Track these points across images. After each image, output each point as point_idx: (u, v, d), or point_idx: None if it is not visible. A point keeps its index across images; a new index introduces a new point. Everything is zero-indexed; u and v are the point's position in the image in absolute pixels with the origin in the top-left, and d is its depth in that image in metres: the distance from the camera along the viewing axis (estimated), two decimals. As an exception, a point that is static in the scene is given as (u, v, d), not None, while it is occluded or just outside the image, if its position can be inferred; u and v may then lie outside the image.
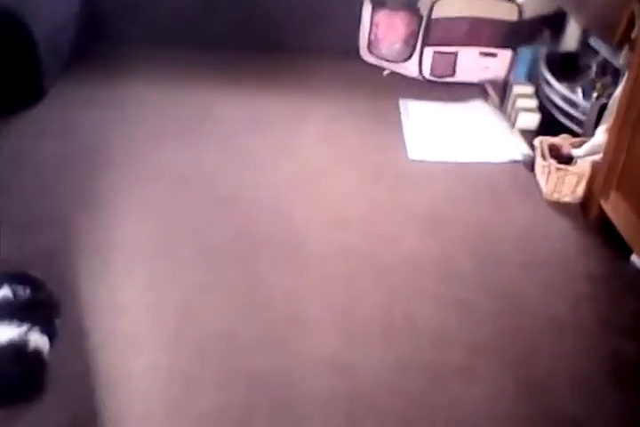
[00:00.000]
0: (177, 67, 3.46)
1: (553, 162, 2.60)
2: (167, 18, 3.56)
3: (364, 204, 2.55)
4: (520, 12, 3.26)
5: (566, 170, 2.56)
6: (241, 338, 1.94)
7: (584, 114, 2.81)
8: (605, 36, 2.79)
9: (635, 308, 2.12)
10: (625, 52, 2.63)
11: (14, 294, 1.86)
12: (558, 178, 2.57)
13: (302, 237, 2.36)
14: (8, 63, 2.88)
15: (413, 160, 2.84)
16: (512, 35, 3.31)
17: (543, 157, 2.65)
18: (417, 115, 3.17)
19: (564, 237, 2.44)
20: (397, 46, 3.45)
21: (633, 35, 2.52)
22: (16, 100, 2.97)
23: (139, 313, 2.02)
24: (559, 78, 3.03)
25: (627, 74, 2.39)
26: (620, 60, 2.71)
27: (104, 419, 1.69)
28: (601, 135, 2.56)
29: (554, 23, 3.34)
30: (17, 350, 1.72)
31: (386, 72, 3.53)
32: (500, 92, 3.25)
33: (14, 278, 1.91)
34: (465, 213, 2.53)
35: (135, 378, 1.80)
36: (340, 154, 2.86)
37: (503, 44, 3.34)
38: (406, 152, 2.88)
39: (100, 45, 3.52)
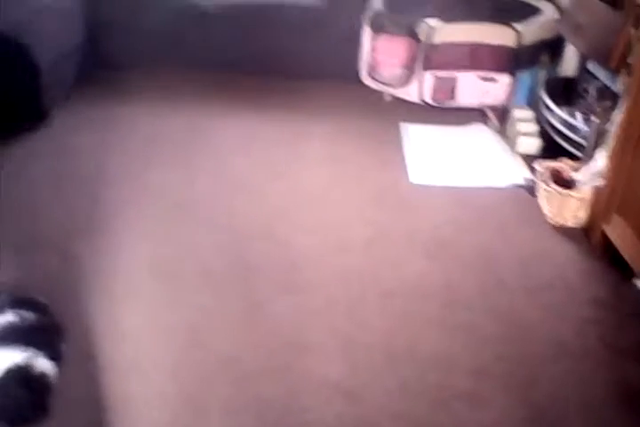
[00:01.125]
0: (175, 90, 3.48)
1: (555, 186, 2.61)
2: (165, 41, 3.59)
3: (365, 228, 2.56)
4: (519, 38, 3.30)
5: (568, 194, 2.57)
6: (245, 364, 1.94)
7: (584, 138, 2.83)
8: (603, 61, 2.82)
9: (639, 332, 2.13)
10: (623, 76, 2.66)
11: (19, 319, 1.86)
12: (560, 202, 2.58)
13: (303, 261, 2.36)
14: (12, 88, 2.91)
15: (415, 184, 2.85)
16: (512, 60, 3.34)
17: (545, 181, 2.67)
18: (418, 138, 3.20)
19: (568, 261, 2.44)
20: (398, 71, 3.48)
21: (630, 59, 2.56)
22: (18, 123, 2.99)
23: (142, 337, 2.02)
24: (559, 103, 3.06)
25: (625, 98, 2.41)
26: (618, 85, 2.74)
27: (109, 445, 1.68)
28: (601, 160, 2.58)
29: (553, 48, 3.38)
30: (23, 374, 1.72)
31: (387, 96, 3.56)
32: (500, 117, 3.28)
33: (19, 303, 1.92)
34: (468, 237, 2.53)
35: (141, 403, 1.80)
36: (340, 178, 2.88)
37: (503, 69, 3.37)
38: (407, 176, 2.89)
39: (101, 71, 3.54)
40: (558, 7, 3.45)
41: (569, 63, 3.29)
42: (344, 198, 2.73)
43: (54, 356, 1.81)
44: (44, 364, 1.76)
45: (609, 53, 2.71)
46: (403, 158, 3.03)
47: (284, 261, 2.35)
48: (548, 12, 3.44)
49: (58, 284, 2.17)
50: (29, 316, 1.88)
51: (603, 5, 2.79)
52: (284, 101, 3.46)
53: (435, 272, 2.34)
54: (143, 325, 2.06)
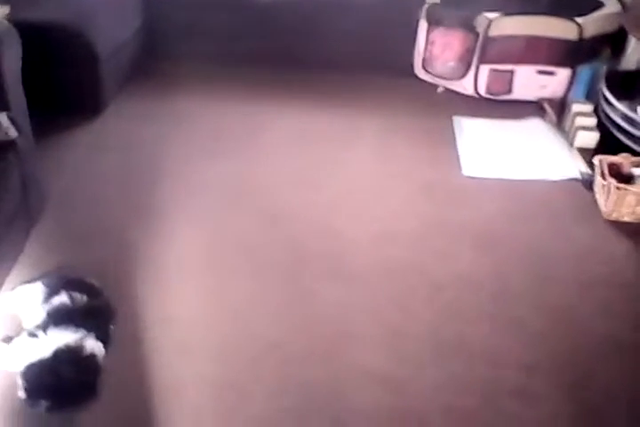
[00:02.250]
0: (229, 83, 3.50)
1: (613, 181, 2.54)
2: (220, 36, 3.61)
3: (416, 220, 2.54)
4: (580, 32, 3.22)
5: (626, 189, 2.50)
6: (290, 349, 1.94)
7: (645, 133, 2.76)
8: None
9: (697, 330, 2.06)
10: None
11: (72, 300, 1.89)
12: (618, 197, 2.51)
13: (353, 251, 2.36)
14: (72, 79, 2.98)
15: (467, 176, 2.81)
16: (571, 53, 3.27)
17: (602, 175, 2.60)
18: (471, 132, 3.15)
19: (623, 257, 2.38)
20: (452, 64, 3.44)
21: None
22: (77, 113, 3.05)
23: (191, 323, 2.04)
24: (619, 97, 2.98)
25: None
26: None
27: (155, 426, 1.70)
28: (662, 154, 2.51)
29: (614, 42, 3.29)
30: (73, 354, 1.74)
31: (440, 89, 3.52)
32: (558, 111, 3.21)
33: (72, 285, 1.95)
34: (520, 230, 2.49)
35: (187, 386, 1.82)
36: (392, 169, 2.86)
37: (562, 63, 3.30)
38: (460, 168, 2.86)
39: (157, 63, 3.61)
40: (621, 0, 3.36)
41: (631, 57, 3.20)
42: (396, 190, 2.71)
43: (104, 338, 1.83)
44: (93, 345, 1.78)
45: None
46: (456, 151, 2.99)
47: (333, 251, 2.35)
48: (611, 6, 3.36)
49: (112, 269, 2.20)
50: (82, 298, 1.91)
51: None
52: (338, 95, 3.45)
53: (485, 265, 2.31)
54: (191, 310, 2.08)
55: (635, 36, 3.10)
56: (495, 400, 1.81)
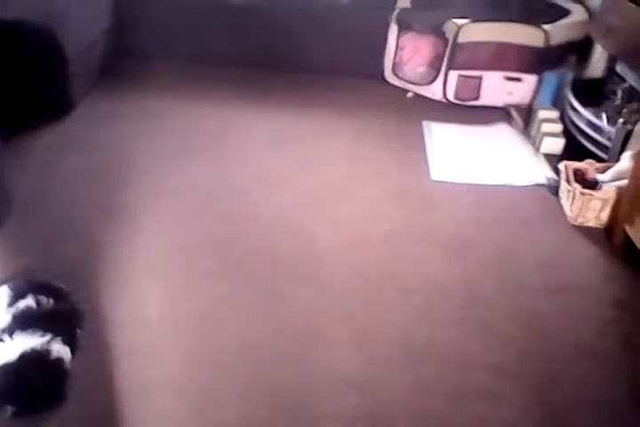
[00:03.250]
0: (202, 82, 3.49)
1: (577, 186, 2.59)
2: (193, 34, 3.61)
3: (385, 224, 2.55)
4: (547, 39, 3.27)
5: (591, 195, 2.55)
6: (260, 353, 1.93)
7: (609, 139, 2.81)
8: (632, 63, 2.80)
9: (660, 334, 2.10)
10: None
11: (38, 304, 1.86)
12: (583, 203, 2.55)
13: (323, 254, 2.36)
14: (40, 77, 2.94)
15: (436, 181, 2.84)
16: (538, 60, 3.32)
17: (568, 181, 2.64)
18: (440, 136, 3.18)
19: (589, 261, 2.42)
20: (422, 69, 3.47)
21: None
22: (45, 113, 3.01)
23: (160, 325, 2.02)
24: (585, 104, 3.03)
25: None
26: (646, 87, 2.71)
27: (123, 431, 1.68)
28: (626, 161, 2.56)
29: (580, 49, 3.35)
30: (39, 359, 1.72)
31: (409, 94, 3.55)
32: (525, 117, 3.25)
33: (38, 288, 1.92)
34: (489, 235, 2.52)
35: (156, 390, 1.80)
36: (362, 173, 2.87)
37: (529, 70, 3.35)
38: (429, 173, 2.88)
39: (127, 62, 3.58)
40: (587, 9, 3.43)
41: (596, 64, 3.26)
42: (366, 194, 2.73)
43: (71, 342, 1.81)
44: (60, 349, 1.76)
45: (638, 55, 2.68)
46: (425, 156, 3.01)
47: (304, 254, 2.35)
48: (578, 14, 3.42)
49: (80, 271, 2.17)
50: (48, 301, 1.89)
51: (634, 7, 2.77)
52: (309, 97, 3.46)
53: (454, 270, 2.33)
54: (160, 313, 2.06)
55: (600, 43, 3.16)
56: (464, 403, 1.83)
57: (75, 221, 2.42)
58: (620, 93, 2.97)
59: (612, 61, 3.10)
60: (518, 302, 2.20)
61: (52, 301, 1.89)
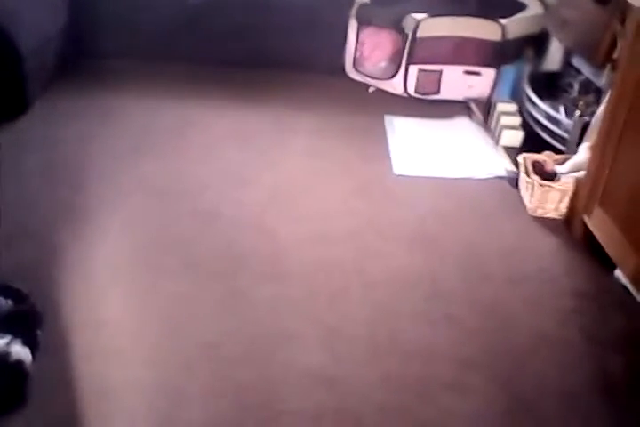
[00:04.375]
0: (161, 81, 3.46)
1: (536, 178, 2.62)
2: (152, 32, 3.56)
3: (349, 219, 2.55)
4: (504, 32, 3.30)
5: (550, 186, 2.58)
6: (225, 351, 1.92)
7: (567, 131, 2.85)
8: (588, 56, 2.84)
9: (621, 323, 2.13)
10: (607, 71, 2.67)
11: (-4, 306, 1.83)
12: (542, 194, 2.59)
13: (286, 251, 2.35)
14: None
15: (399, 175, 2.85)
16: (496, 54, 3.35)
17: (527, 173, 2.67)
18: (402, 131, 3.19)
19: (550, 252, 2.45)
20: (383, 64, 3.48)
21: (615, 55, 2.57)
22: (0, 113, 2.94)
23: (121, 326, 1.99)
24: (542, 97, 3.07)
25: (609, 93, 2.42)
26: (602, 80, 2.75)
27: (87, 433, 1.66)
28: (584, 152, 2.59)
29: (537, 43, 3.39)
30: (-2, 361, 1.69)
31: (371, 89, 3.56)
32: (484, 110, 3.28)
33: (-4, 290, 1.88)
34: (451, 228, 2.53)
35: (119, 391, 1.77)
36: (324, 169, 2.86)
37: (487, 63, 3.38)
38: (392, 167, 2.89)
39: (85, 60, 3.52)
40: (543, 2, 3.47)
41: (553, 58, 3.30)
42: (329, 189, 2.72)
43: (31, 343, 1.78)
44: (20, 351, 1.73)
45: (594, 48, 2.72)
46: (387, 150, 3.02)
47: (267, 251, 2.34)
48: (534, 8, 3.46)
49: (38, 272, 2.14)
50: (7, 303, 1.86)
51: (588, 1, 2.80)
52: (270, 94, 3.44)
53: (418, 264, 2.34)
54: (121, 313, 2.04)
55: (556, 37, 3.20)
56: (430, 396, 1.83)
57: (31, 221, 2.38)
58: (576, 86, 3.01)
59: (568, 54, 3.14)
60: (481, 293, 2.22)
61: (10, 302, 1.86)
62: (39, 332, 1.84)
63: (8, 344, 1.72)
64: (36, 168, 2.69)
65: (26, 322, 1.84)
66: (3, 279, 1.96)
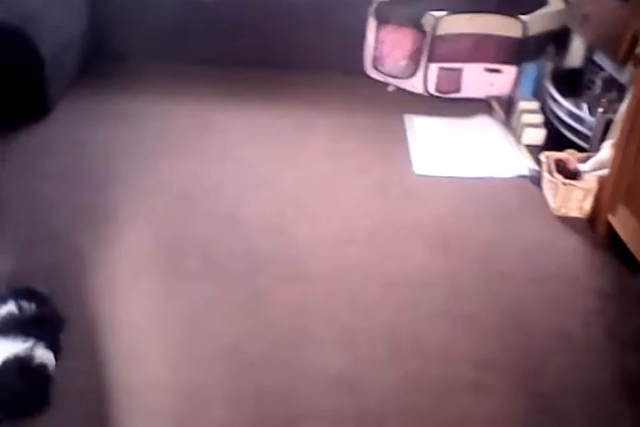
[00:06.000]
0: (180, 82, 3.48)
1: (559, 177, 2.59)
2: (170, 34, 3.58)
3: (369, 219, 2.54)
4: (525, 29, 3.27)
5: (573, 185, 2.55)
6: (247, 354, 1.92)
7: (590, 129, 2.82)
8: (610, 53, 2.80)
9: (644, 323, 2.11)
10: (629, 67, 2.64)
11: (20, 309, 1.85)
12: (565, 193, 2.56)
13: (306, 252, 2.35)
14: (15, 80, 2.91)
15: (419, 175, 2.83)
16: (517, 51, 3.32)
17: (550, 172, 2.65)
18: (422, 130, 3.18)
19: (573, 252, 2.42)
20: (402, 62, 3.46)
21: (637, 51, 2.53)
22: (22, 116, 2.99)
23: (143, 328, 2.01)
24: (564, 94, 3.04)
25: (631, 89, 2.39)
26: (624, 76, 2.72)
27: (110, 436, 1.67)
28: (607, 150, 2.56)
29: (559, 39, 3.35)
30: (22, 365, 1.71)
31: (391, 88, 3.55)
32: (506, 108, 3.25)
33: (20, 293, 1.91)
34: (472, 228, 2.52)
35: (141, 393, 1.79)
36: (344, 169, 2.86)
37: (508, 61, 3.35)
38: (412, 167, 2.88)
39: (105, 63, 3.56)
40: (564, -2, 3.43)
41: (575, 54, 3.26)
42: (349, 190, 2.72)
43: (54, 347, 1.80)
44: (43, 355, 1.75)
45: (616, 44, 2.69)
46: (407, 150, 3.01)
47: (287, 252, 2.34)
48: (555, 4, 3.42)
49: (60, 275, 2.15)
50: (30, 307, 1.87)
51: (609, -5, 2.77)
52: (289, 94, 3.45)
53: (438, 263, 2.33)
54: (144, 316, 2.05)
55: (577, 33, 3.17)
56: (450, 397, 1.83)
57: (54, 224, 2.40)
58: (599, 83, 2.97)
59: (589, 51, 3.10)
60: (502, 293, 2.20)
61: (33, 306, 1.88)
62: (62, 335, 1.86)
63: (31, 348, 1.73)
64: (57, 171, 2.72)
65: (49, 326, 1.86)
66: (25, 283, 1.99)
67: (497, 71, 3.38)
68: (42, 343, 1.76)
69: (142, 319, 2.04)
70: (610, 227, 2.40)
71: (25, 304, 1.87)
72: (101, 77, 3.45)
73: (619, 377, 1.91)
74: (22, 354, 1.72)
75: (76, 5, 3.37)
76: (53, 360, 1.76)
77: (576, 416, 1.79)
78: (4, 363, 1.69)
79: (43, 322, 1.85)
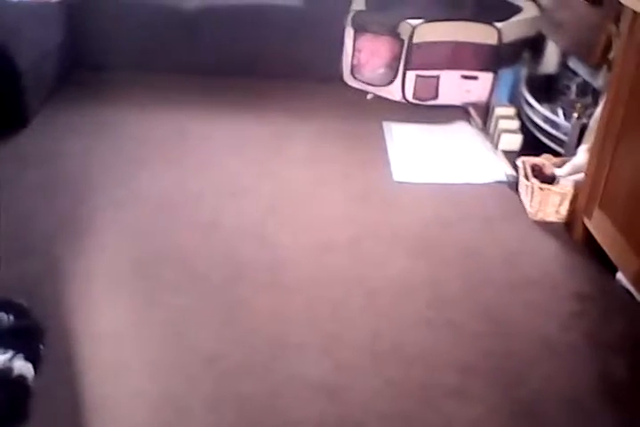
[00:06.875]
0: (158, 92, 3.48)
1: (536, 182, 2.61)
2: (148, 44, 3.59)
3: (349, 227, 2.55)
4: (500, 36, 3.31)
5: (549, 190, 2.58)
6: (227, 362, 1.92)
7: (565, 134, 2.85)
8: (584, 58, 2.84)
9: (623, 325, 2.12)
10: (603, 72, 2.68)
11: (-2, 321, 1.83)
12: (542, 198, 2.58)
13: (287, 261, 2.35)
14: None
15: (399, 182, 2.85)
16: (493, 58, 3.36)
17: (526, 177, 2.67)
18: (401, 137, 3.20)
19: (551, 256, 2.44)
20: (380, 70, 3.49)
21: (610, 56, 2.57)
22: (0, 127, 2.96)
23: (123, 338, 1.99)
24: (540, 100, 3.07)
25: (605, 94, 2.42)
26: (598, 81, 2.75)
27: (90, 447, 1.66)
28: (582, 155, 2.59)
29: (533, 46, 3.39)
30: (1, 376, 1.68)
31: (369, 96, 3.56)
32: (483, 114, 3.28)
33: (-2, 305, 1.89)
34: (452, 234, 2.53)
35: (121, 404, 1.77)
36: (324, 177, 2.87)
37: (484, 67, 3.38)
38: (391, 174, 2.89)
39: (83, 74, 3.56)
40: (539, 5, 3.47)
41: (550, 60, 3.30)
42: (329, 197, 2.73)
43: (33, 358, 1.78)
44: (22, 366, 1.73)
45: (590, 50, 2.73)
46: (386, 157, 3.03)
47: (268, 260, 2.34)
48: (529, 10, 3.46)
49: (40, 286, 2.14)
50: (9, 318, 1.85)
51: (582, 2, 2.81)
52: (268, 102, 3.45)
53: (419, 270, 2.33)
54: (123, 325, 2.04)
55: (552, 39, 3.21)
56: (432, 403, 1.83)
57: (32, 235, 2.38)
58: (573, 88, 3.01)
59: (565, 57, 3.14)
60: (483, 298, 2.22)
61: (12, 317, 1.86)
62: (41, 346, 1.85)
63: (10, 360, 1.72)
64: (36, 182, 2.70)
65: (28, 337, 1.84)
66: (4, 294, 1.97)
67: (473, 78, 3.41)
68: (21, 355, 1.74)
69: (122, 329, 2.03)
70: (586, 230, 2.43)
71: (3, 316, 1.85)
72: (79, 88, 3.45)
73: (600, 380, 1.92)
74: (1, 366, 1.70)
75: (52, 17, 3.36)
76: (32, 372, 1.74)
77: (558, 420, 1.80)
78: (-17, 375, 1.68)
79: (22, 333, 1.83)
